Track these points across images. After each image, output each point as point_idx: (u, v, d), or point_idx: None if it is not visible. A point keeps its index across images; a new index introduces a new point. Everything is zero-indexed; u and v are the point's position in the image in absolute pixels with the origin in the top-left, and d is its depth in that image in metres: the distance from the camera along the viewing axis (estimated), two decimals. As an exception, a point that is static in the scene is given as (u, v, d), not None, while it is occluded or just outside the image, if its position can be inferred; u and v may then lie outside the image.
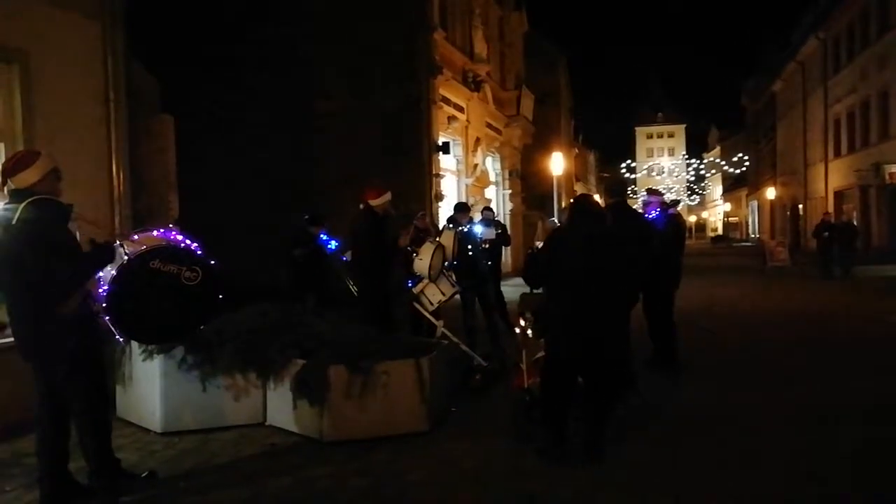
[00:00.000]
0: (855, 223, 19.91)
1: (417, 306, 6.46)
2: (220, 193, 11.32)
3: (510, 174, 22.29)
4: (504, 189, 21.69)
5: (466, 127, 17.07)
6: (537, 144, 25.02)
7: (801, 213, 34.74)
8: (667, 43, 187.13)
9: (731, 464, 4.31)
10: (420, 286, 6.47)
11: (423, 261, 6.30)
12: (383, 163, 12.01)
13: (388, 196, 6.31)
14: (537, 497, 3.87)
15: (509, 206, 21.39)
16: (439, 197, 14.41)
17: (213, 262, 4.19)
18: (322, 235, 8.33)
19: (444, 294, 6.49)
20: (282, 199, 11.24)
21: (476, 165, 17.80)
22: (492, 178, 20.64)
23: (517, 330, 5.42)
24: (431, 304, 6.45)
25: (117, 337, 4.10)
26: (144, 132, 7.09)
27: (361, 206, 6.33)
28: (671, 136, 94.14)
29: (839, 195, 28.50)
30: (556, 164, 16.73)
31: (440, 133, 14.70)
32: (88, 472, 3.81)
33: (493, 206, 18.85)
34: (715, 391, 6.11)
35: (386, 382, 4.84)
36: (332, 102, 12.60)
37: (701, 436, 4.88)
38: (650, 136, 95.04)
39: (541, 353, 4.99)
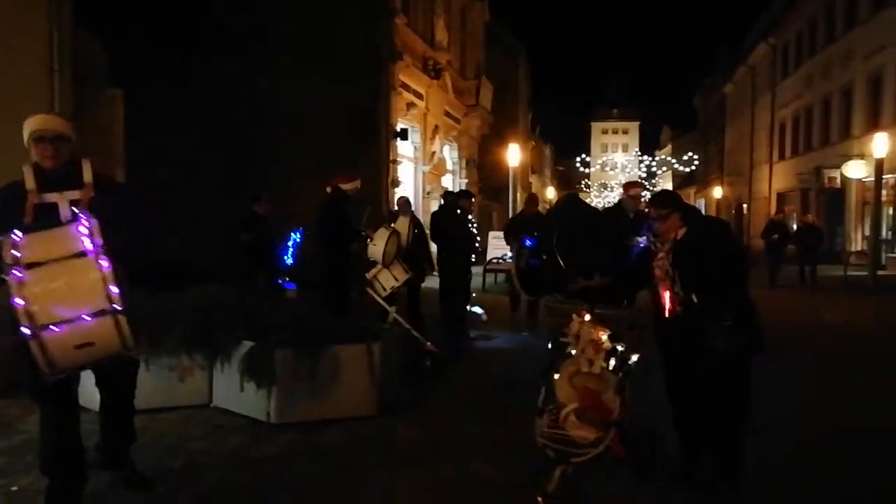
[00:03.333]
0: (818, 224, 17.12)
1: (370, 292, 6.47)
2: (174, 174, 11.06)
3: (467, 163, 22.38)
4: (461, 178, 21.77)
5: (425, 114, 17.05)
6: (495, 135, 25.16)
7: (745, 212, 35.96)
8: (625, 41, 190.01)
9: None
10: (373, 271, 6.48)
11: (377, 246, 6.32)
12: (341, 147, 11.90)
13: (357, 183, 6.36)
14: (487, 481, 3.94)
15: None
16: (396, 183, 14.38)
17: None
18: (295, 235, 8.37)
19: (397, 280, 6.52)
20: (237, 183, 11.02)
21: (434, 153, 17.82)
22: (449, 166, 20.70)
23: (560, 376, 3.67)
24: (384, 289, 6.47)
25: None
26: (91, 105, 6.86)
27: (329, 188, 6.35)
28: (626, 132, 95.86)
29: (781, 197, 29.61)
30: (513, 155, 16.84)
31: (398, 119, 14.65)
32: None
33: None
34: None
35: (336, 366, 4.84)
36: (291, 85, 12.39)
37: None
38: (605, 132, 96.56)
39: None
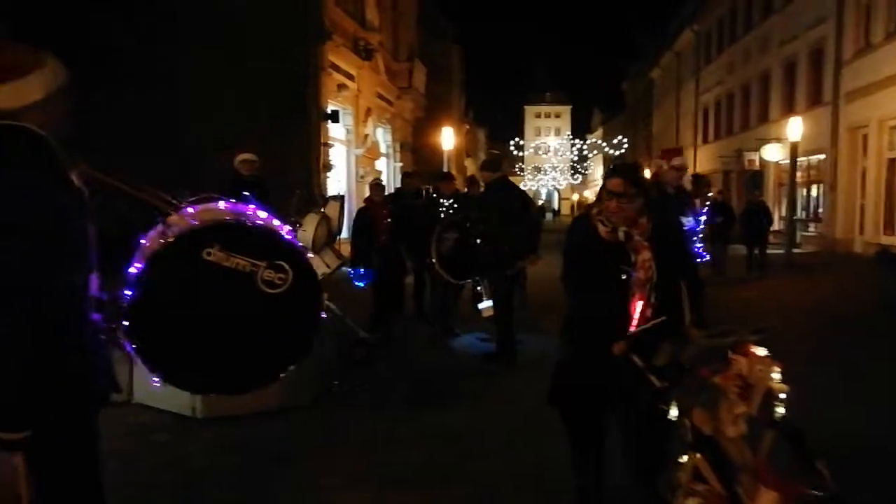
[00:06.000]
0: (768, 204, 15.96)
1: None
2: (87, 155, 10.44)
3: (401, 147, 22.21)
4: (395, 162, 21.59)
5: (357, 96, 16.76)
6: (429, 118, 25.04)
7: (671, 194, 37.22)
8: (557, 24, 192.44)
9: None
10: (304, 258, 6.31)
11: (306, 232, 6.13)
12: (270, 129, 11.55)
13: (247, 157, 6.01)
14: (417, 468, 3.92)
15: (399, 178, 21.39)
16: (327, 166, 14.11)
17: (307, 255, 2.59)
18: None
19: (328, 266, 6.37)
20: (160, 167, 10.49)
21: (366, 136, 17.57)
22: (382, 149, 20.48)
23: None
24: (316, 276, 6.32)
25: (152, 377, 2.54)
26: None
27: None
28: (558, 116, 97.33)
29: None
30: (447, 138, 16.82)
31: (329, 101, 14.34)
32: None
33: (383, 178, 18.77)
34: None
35: (265, 356, 4.68)
36: (216, 65, 11.90)
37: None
38: (538, 116, 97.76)
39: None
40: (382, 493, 3.59)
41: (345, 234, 9.80)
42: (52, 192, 1.86)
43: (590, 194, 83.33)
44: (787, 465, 2.20)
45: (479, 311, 7.30)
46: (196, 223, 2.38)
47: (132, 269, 2.39)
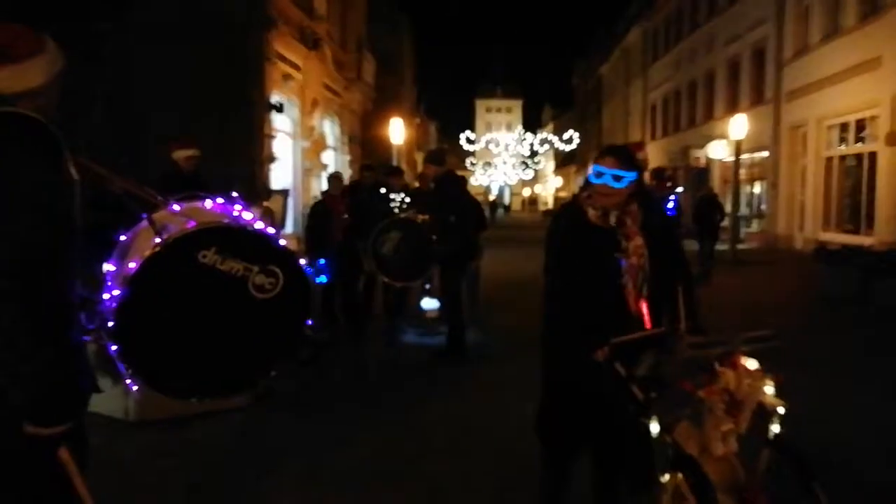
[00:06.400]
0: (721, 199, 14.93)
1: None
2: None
3: (350, 139, 21.86)
4: (343, 155, 21.24)
5: (303, 87, 16.37)
6: (378, 111, 24.74)
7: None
8: (510, 18, 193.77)
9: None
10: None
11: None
12: (211, 120, 11.12)
13: (189, 152, 5.71)
14: (356, 468, 3.79)
15: (348, 172, 21.03)
16: (271, 158, 13.72)
17: (300, 261, 2.50)
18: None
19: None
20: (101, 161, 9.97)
21: (313, 128, 17.19)
22: (330, 142, 20.10)
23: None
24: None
25: (129, 383, 2.36)
26: None
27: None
28: (509, 110, 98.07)
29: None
30: (397, 131, 16.57)
31: (274, 91, 13.95)
32: None
33: (330, 171, 18.43)
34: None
35: (201, 356, 4.45)
36: (156, 52, 11.39)
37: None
38: (489, 110, 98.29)
39: None
40: (324, 494, 3.47)
41: (289, 228, 9.56)
42: (59, 189, 1.74)
43: (541, 189, 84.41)
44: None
45: (424, 311, 7.28)
46: (194, 224, 2.29)
47: (109, 267, 2.31)
